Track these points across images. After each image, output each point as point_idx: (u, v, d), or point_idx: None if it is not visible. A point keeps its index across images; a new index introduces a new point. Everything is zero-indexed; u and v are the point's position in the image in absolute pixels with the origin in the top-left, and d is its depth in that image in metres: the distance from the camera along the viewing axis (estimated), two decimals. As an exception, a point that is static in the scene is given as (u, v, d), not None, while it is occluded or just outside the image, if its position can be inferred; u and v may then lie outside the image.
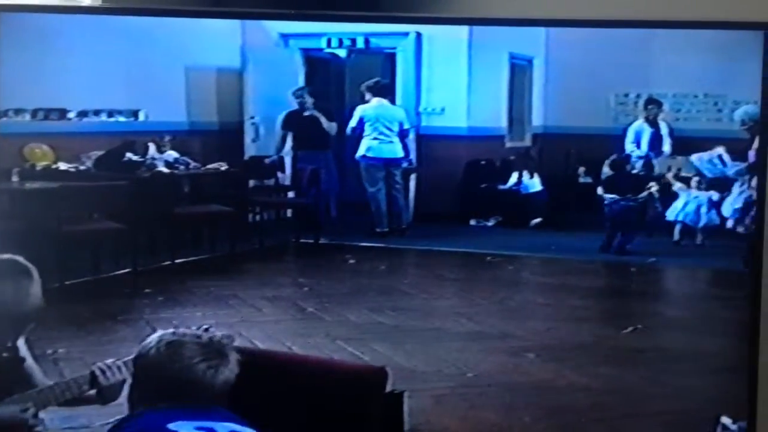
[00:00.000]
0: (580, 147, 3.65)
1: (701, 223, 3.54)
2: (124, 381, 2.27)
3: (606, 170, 3.58)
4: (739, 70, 2.93)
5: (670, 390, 3.08)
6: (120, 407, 2.68)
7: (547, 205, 3.75)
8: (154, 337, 2.00)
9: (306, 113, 3.73)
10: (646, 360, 3.23)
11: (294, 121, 3.75)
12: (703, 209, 3.53)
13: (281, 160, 3.85)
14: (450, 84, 3.80)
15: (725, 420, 2.78)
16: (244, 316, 3.40)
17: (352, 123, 3.71)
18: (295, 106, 3.75)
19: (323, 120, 3.75)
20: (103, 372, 2.25)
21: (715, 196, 3.47)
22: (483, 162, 3.85)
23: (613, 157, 3.58)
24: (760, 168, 2.75)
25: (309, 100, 3.72)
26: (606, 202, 3.60)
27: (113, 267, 3.49)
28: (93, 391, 2.30)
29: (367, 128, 3.72)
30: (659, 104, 3.53)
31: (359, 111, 3.69)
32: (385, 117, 3.71)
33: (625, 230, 3.59)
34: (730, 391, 2.76)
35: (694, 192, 3.54)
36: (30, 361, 2.37)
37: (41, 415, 2.41)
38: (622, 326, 3.34)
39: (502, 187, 3.83)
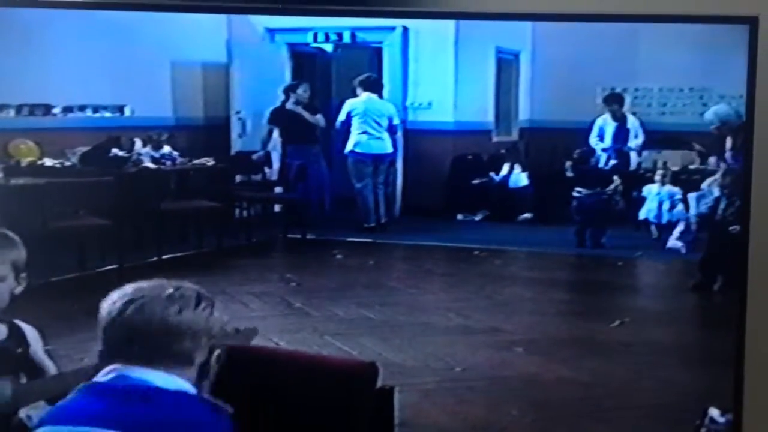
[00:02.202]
0: (566, 141, 3.66)
1: (664, 220, 3.56)
2: None
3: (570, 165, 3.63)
4: (725, 64, 2.94)
5: (657, 383, 3.09)
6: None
7: (533, 200, 3.76)
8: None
9: (289, 108, 3.72)
10: (633, 353, 3.24)
11: (280, 117, 3.75)
12: (666, 205, 3.55)
13: (268, 155, 3.84)
14: (437, 78, 3.80)
15: (713, 412, 2.79)
16: (231, 312, 3.38)
17: (341, 117, 3.70)
18: (279, 102, 3.74)
19: (306, 115, 3.73)
20: None
21: (678, 193, 3.50)
22: (470, 156, 3.86)
23: (578, 151, 3.61)
24: (745, 159, 2.76)
25: (301, 96, 3.71)
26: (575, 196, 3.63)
27: (99, 263, 3.48)
28: None
29: (355, 123, 3.71)
30: (620, 99, 3.54)
31: (348, 105, 3.69)
32: (374, 112, 3.70)
33: (596, 224, 3.61)
34: (718, 383, 2.77)
35: (656, 188, 3.56)
36: (41, 354, 2.40)
37: (29, 411, 2.41)
38: (610, 320, 3.35)
39: (490, 179, 3.84)
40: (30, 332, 2.40)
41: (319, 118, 3.74)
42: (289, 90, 3.71)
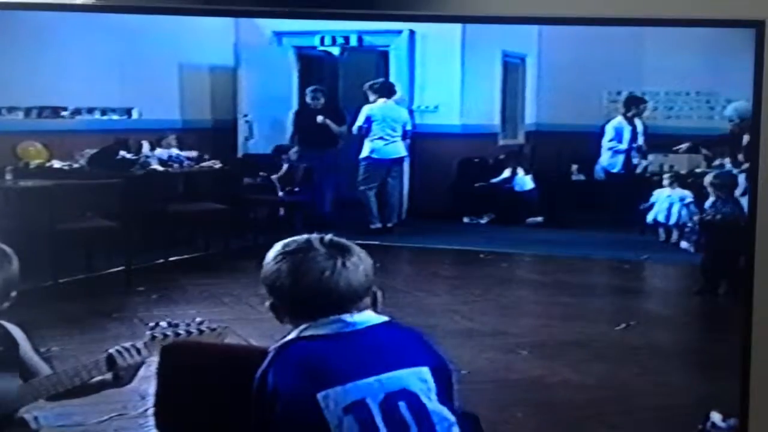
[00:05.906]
0: (572, 145, 3.67)
1: (672, 221, 3.56)
2: (141, 363, 2.31)
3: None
4: (731, 67, 2.94)
5: (661, 387, 3.09)
6: (109, 405, 2.70)
7: (539, 203, 3.77)
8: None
9: (316, 119, 3.72)
10: (638, 357, 3.24)
11: (302, 120, 3.75)
12: (675, 208, 3.55)
13: (277, 158, 3.85)
14: (443, 82, 3.80)
15: (715, 417, 2.79)
16: (238, 314, 3.40)
17: (359, 122, 3.70)
18: (297, 105, 3.75)
19: (333, 126, 3.75)
20: (120, 354, 2.30)
21: (688, 196, 3.50)
22: (476, 160, 3.86)
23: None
24: (752, 163, 2.76)
25: (321, 102, 3.71)
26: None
27: (107, 265, 3.49)
28: (108, 376, 2.33)
29: (374, 128, 3.71)
30: (643, 102, 3.54)
31: (366, 110, 3.68)
32: (392, 118, 3.70)
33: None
34: (721, 388, 2.77)
35: (667, 191, 3.56)
36: (30, 353, 2.40)
37: (35, 412, 2.42)
38: (615, 323, 3.35)
39: (495, 181, 3.84)
40: (16, 332, 2.38)
41: (343, 130, 3.75)
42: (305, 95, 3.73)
